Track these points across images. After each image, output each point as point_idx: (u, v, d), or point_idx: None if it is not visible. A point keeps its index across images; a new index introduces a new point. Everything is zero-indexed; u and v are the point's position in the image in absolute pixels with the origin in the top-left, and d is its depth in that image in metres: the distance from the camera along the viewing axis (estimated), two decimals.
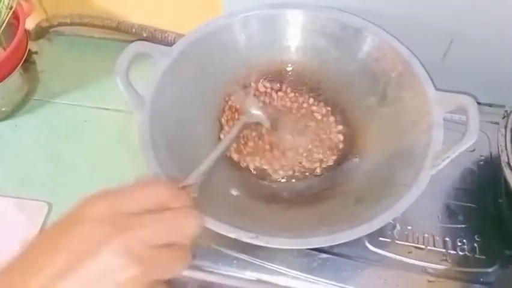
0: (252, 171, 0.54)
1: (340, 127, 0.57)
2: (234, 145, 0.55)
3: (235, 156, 0.55)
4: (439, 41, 0.61)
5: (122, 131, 0.63)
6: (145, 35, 0.71)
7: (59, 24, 0.73)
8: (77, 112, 0.67)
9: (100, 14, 0.71)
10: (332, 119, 0.58)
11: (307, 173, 0.54)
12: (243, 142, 0.56)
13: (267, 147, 0.56)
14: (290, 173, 0.54)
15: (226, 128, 0.57)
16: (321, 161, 0.55)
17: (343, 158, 0.55)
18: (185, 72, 0.54)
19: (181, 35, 0.60)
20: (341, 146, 0.56)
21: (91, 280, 0.27)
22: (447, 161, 0.45)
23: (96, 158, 0.62)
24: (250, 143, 0.56)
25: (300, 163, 0.55)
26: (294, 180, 0.54)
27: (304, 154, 0.55)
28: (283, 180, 0.54)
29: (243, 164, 0.55)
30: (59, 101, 0.68)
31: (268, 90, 0.60)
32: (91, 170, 0.61)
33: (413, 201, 0.43)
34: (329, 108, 0.58)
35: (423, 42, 0.55)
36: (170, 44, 0.56)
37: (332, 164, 0.55)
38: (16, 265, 0.29)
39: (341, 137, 0.56)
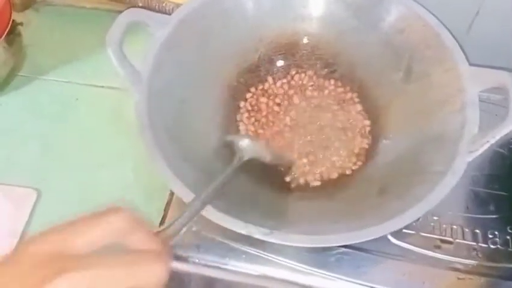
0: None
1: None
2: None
3: None
4: (464, 13, 0.56)
5: (117, 110, 0.58)
6: (140, 4, 0.65)
7: None
8: (67, 90, 0.61)
9: None
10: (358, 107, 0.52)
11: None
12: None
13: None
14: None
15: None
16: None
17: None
18: (186, 44, 0.48)
19: (180, 6, 0.54)
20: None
21: None
22: (486, 146, 0.39)
23: (88, 140, 0.56)
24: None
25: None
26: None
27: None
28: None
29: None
30: (47, 77, 0.62)
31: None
32: (83, 154, 0.55)
33: (448, 191, 0.38)
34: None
35: (446, 15, 0.49)
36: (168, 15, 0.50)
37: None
38: None
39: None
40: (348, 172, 0.48)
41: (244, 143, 0.43)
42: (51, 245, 0.24)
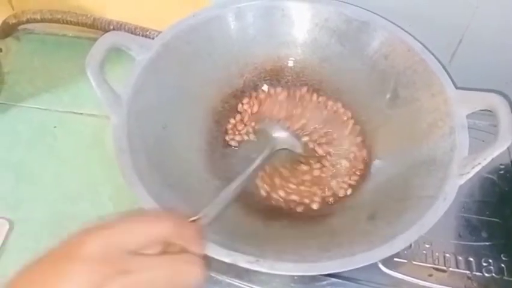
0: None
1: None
2: None
3: None
4: (447, 41, 0.56)
5: (96, 137, 0.56)
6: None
7: (28, 21, 0.66)
8: (46, 117, 0.59)
9: (74, 9, 0.64)
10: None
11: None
12: None
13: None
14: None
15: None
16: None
17: None
18: (169, 68, 0.47)
19: None
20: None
21: None
22: (477, 168, 0.38)
23: (66, 169, 0.54)
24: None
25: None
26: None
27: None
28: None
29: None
30: (25, 104, 0.60)
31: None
32: (60, 183, 0.53)
33: (441, 216, 0.36)
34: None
35: (428, 44, 0.49)
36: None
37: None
38: None
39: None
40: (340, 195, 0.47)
41: (276, 133, 0.48)
42: (106, 243, 0.26)
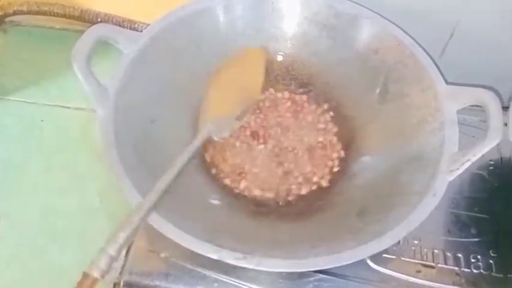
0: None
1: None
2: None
3: (213, 171, 0.47)
4: (438, 34, 0.55)
5: (83, 131, 0.55)
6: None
7: (15, 13, 0.65)
8: (32, 111, 0.58)
9: (61, 1, 0.63)
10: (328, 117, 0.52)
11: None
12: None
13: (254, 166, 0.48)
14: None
15: None
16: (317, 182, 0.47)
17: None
18: (157, 62, 0.46)
19: None
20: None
21: None
22: (467, 164, 0.38)
23: (53, 163, 0.54)
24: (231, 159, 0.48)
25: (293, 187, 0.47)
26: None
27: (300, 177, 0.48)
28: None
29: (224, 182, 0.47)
30: (12, 98, 0.60)
31: None
32: (47, 177, 0.53)
33: (430, 212, 0.36)
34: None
35: (419, 38, 0.49)
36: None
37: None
38: None
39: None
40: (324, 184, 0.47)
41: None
42: None
